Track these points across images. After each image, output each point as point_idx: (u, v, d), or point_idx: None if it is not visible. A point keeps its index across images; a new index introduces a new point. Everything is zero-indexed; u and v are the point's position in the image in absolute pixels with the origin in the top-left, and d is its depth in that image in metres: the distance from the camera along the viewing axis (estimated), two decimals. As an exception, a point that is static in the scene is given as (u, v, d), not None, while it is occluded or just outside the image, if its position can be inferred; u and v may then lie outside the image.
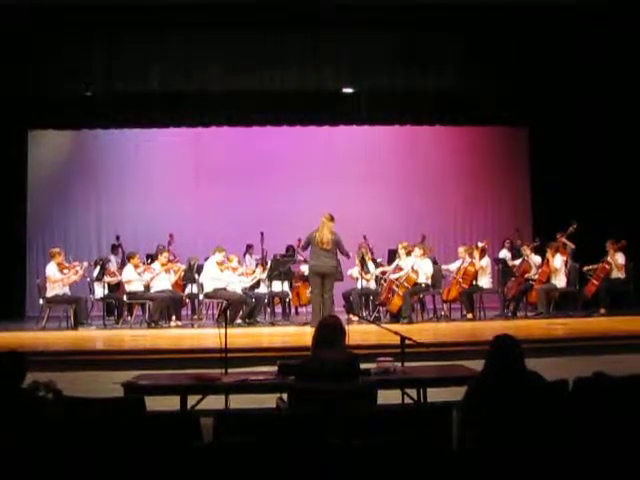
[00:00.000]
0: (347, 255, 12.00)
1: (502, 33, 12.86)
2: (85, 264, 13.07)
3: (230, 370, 6.36)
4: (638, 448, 3.88)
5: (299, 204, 14.92)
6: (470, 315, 13.06)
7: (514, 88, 13.39)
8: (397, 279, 12.68)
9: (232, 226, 15.10)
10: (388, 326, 7.16)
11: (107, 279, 13.20)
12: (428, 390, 6.10)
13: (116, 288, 13.31)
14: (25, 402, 4.51)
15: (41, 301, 12.72)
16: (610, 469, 3.81)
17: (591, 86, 13.11)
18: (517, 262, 13.79)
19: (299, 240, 12.67)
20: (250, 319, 12.89)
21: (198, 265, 13.24)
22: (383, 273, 13.19)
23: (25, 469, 3.81)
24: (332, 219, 11.65)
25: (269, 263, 13.05)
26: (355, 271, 13.17)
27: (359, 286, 13.02)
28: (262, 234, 13.10)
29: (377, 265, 13.48)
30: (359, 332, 9.51)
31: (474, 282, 13.23)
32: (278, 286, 13.30)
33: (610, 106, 13.64)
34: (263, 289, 13.38)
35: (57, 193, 16.25)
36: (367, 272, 13.10)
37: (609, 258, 13.15)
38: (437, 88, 13.32)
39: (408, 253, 12.98)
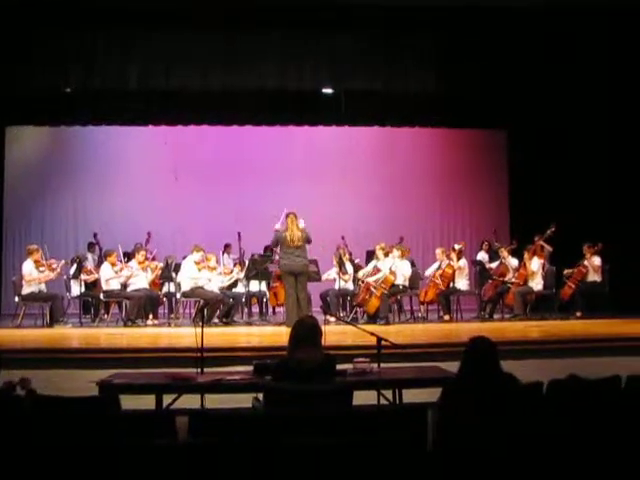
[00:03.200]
0: (310, 241, 11.93)
1: (481, 36, 12.90)
2: (62, 262, 13.01)
3: (206, 369, 6.35)
4: (611, 450, 3.91)
5: (277, 204, 14.79)
6: (447, 317, 13.11)
7: (493, 91, 13.45)
8: (375, 280, 12.70)
9: (210, 225, 15.10)
10: (365, 327, 7.16)
11: (84, 277, 13.12)
12: (404, 391, 6.13)
13: (93, 286, 13.23)
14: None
15: (17, 298, 12.64)
16: (584, 470, 3.84)
17: (569, 89, 13.20)
18: (494, 264, 13.86)
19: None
20: (227, 319, 12.88)
21: (175, 264, 13.20)
22: (362, 280, 13.16)
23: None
24: (297, 216, 11.73)
25: (247, 263, 13.03)
26: (333, 272, 13.18)
27: (336, 287, 13.04)
28: (239, 234, 13.09)
29: (355, 266, 13.49)
30: (336, 333, 9.53)
31: (451, 284, 13.27)
32: (255, 286, 13.28)
33: (588, 109, 13.72)
34: (240, 289, 13.37)
35: (34, 190, 16.16)
36: (345, 273, 13.11)
37: (585, 261, 13.24)
38: (417, 90, 13.36)
39: (386, 254, 13.02)
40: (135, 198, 15.99)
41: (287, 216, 11.78)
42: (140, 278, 12.86)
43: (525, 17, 12.43)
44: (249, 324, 12.83)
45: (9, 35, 12.36)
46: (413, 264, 13.48)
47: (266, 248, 13.65)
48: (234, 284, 13.41)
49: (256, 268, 12.82)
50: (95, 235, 14.31)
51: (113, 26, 12.55)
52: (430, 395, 5.19)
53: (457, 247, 13.48)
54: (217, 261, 13.33)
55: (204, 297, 12.49)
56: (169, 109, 14.37)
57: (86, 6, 12.15)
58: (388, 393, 6.12)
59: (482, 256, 14.44)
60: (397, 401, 6.10)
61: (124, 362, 8.11)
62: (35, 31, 12.46)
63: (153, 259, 13.48)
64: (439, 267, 13.39)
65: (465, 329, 11.55)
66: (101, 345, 10.26)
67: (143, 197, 16.01)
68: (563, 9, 12.15)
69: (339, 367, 5.56)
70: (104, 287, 12.77)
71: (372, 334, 6.24)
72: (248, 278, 13.01)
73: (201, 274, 12.64)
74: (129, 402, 5.31)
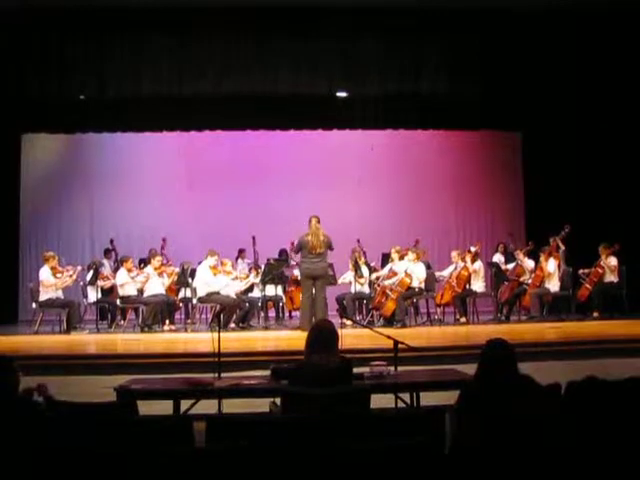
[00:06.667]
0: (332, 248, 12.00)
1: (496, 37, 12.88)
2: (79, 268, 13.04)
3: (223, 374, 6.36)
4: (631, 452, 3.88)
5: (291, 208, 14.92)
6: (463, 319, 13.05)
7: (507, 93, 13.40)
8: (391, 283, 12.70)
9: (225, 230, 15.09)
10: (381, 330, 7.15)
11: (100, 283, 13.15)
12: (421, 394, 6.11)
13: (109, 292, 13.26)
14: (18, 407, 4.49)
15: (34, 305, 12.70)
16: (603, 472, 3.81)
17: (583, 91, 13.14)
18: (510, 266, 13.81)
19: (292, 243, 12.66)
20: (243, 323, 12.89)
21: (191, 269, 13.21)
22: (377, 278, 13.19)
23: (17, 474, 3.80)
24: (319, 220, 11.75)
25: (262, 267, 13.04)
26: (349, 276, 13.17)
27: (352, 290, 13.04)
28: (254, 238, 13.09)
29: (370, 269, 13.47)
30: (352, 336, 9.50)
31: (467, 286, 13.23)
32: (272, 290, 13.27)
33: (603, 111, 13.66)
34: (257, 293, 13.36)
35: (50, 197, 16.24)
36: (361, 276, 13.10)
37: (602, 262, 13.18)
38: (430, 92, 13.32)
39: (401, 257, 13.01)
40: (150, 204, 16.03)
41: (310, 220, 11.79)
42: (156, 284, 12.88)
43: (539, 20, 12.43)
44: (266, 328, 12.83)
45: (23, 43, 12.42)
46: (429, 266, 13.45)
47: (281, 252, 13.65)
48: (250, 289, 13.42)
49: (272, 272, 12.82)
50: (112, 241, 14.36)
51: (127, 33, 12.61)
52: (447, 398, 5.18)
53: (473, 249, 13.44)
54: (232, 266, 13.35)
55: (220, 302, 12.50)
56: (183, 115, 14.35)
57: (100, 13, 12.22)
58: (405, 396, 6.11)
59: (498, 258, 14.38)
60: (414, 404, 6.08)
61: (141, 368, 8.12)
62: (49, 38, 12.53)
63: (169, 265, 13.49)
64: (455, 269, 13.35)
65: (482, 331, 11.51)
66: (118, 351, 10.28)
67: (158, 203, 16.05)
68: (576, 11, 12.15)
69: (356, 370, 5.56)
70: (120, 293, 12.80)
71: (389, 337, 6.24)
72: (264, 282, 13.00)
73: (217, 279, 12.64)
74: (146, 408, 5.32)
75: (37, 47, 12.54)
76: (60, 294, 12.71)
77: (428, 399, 6.10)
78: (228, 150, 16.15)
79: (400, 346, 6.24)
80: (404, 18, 12.50)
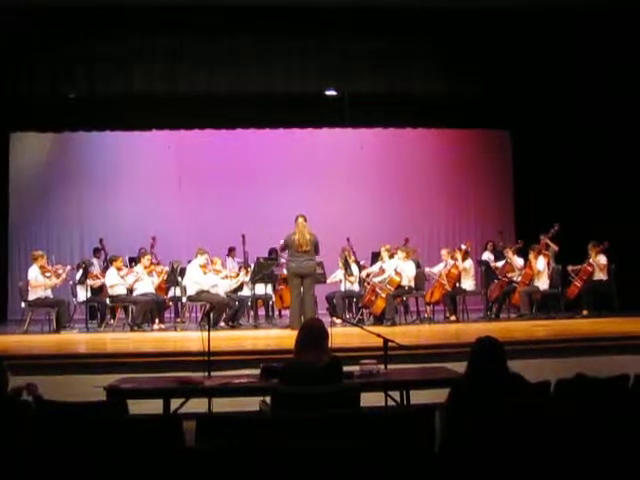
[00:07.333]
0: (318, 251, 12.01)
1: (484, 37, 12.89)
2: (68, 267, 13.01)
3: (213, 373, 6.35)
4: (618, 450, 3.89)
5: (282, 207, 14.87)
6: (453, 317, 13.09)
7: (496, 91, 13.43)
8: (380, 281, 12.70)
9: (215, 229, 15.06)
10: (371, 328, 7.15)
11: (90, 282, 13.11)
12: (411, 392, 6.12)
13: (99, 291, 13.22)
14: (7, 406, 4.48)
15: (23, 304, 12.64)
16: (593, 469, 3.83)
17: (575, 90, 13.18)
18: (500, 264, 13.83)
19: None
20: (233, 322, 12.88)
21: (181, 268, 13.19)
22: (367, 275, 13.19)
23: (6, 474, 3.79)
24: (306, 219, 11.75)
25: (252, 266, 13.02)
26: (339, 274, 13.17)
27: (342, 288, 13.04)
28: (243, 237, 13.07)
29: (360, 267, 13.48)
30: (342, 335, 9.49)
31: (457, 284, 13.26)
32: (261, 289, 13.26)
33: (594, 110, 13.70)
34: (246, 292, 13.35)
35: (39, 196, 16.17)
36: (350, 274, 13.11)
37: (591, 260, 13.21)
38: (420, 91, 13.33)
39: (391, 256, 13.02)
40: (140, 203, 15.98)
41: (296, 218, 11.79)
42: (146, 283, 12.86)
43: (528, 18, 12.44)
44: (255, 327, 12.81)
45: (13, 41, 12.36)
46: (419, 265, 13.46)
47: (271, 251, 13.64)
48: (240, 287, 13.40)
49: (262, 271, 12.81)
50: (101, 240, 14.30)
51: (116, 31, 12.55)
52: (437, 396, 5.18)
53: (463, 247, 13.47)
54: (222, 264, 13.34)
55: (210, 301, 12.48)
56: (173, 113, 14.32)
57: (89, 11, 12.17)
58: (395, 394, 6.12)
59: (487, 256, 14.41)
60: (404, 402, 6.09)
61: (131, 367, 8.10)
62: (38, 37, 12.47)
63: (158, 263, 13.47)
64: (445, 267, 13.38)
65: (471, 329, 11.52)
66: (107, 350, 10.24)
67: (148, 202, 16.00)
68: (565, 10, 12.17)
69: (346, 369, 5.56)
70: (110, 292, 12.76)
71: (378, 335, 6.24)
72: (254, 281, 12.99)
73: (207, 278, 12.62)
74: (136, 407, 5.31)
75: (26, 45, 12.47)
76: (49, 293, 12.67)
77: (418, 397, 6.10)
78: (218, 149, 16.12)
79: (390, 344, 6.25)
80: (394, 17, 12.48)
